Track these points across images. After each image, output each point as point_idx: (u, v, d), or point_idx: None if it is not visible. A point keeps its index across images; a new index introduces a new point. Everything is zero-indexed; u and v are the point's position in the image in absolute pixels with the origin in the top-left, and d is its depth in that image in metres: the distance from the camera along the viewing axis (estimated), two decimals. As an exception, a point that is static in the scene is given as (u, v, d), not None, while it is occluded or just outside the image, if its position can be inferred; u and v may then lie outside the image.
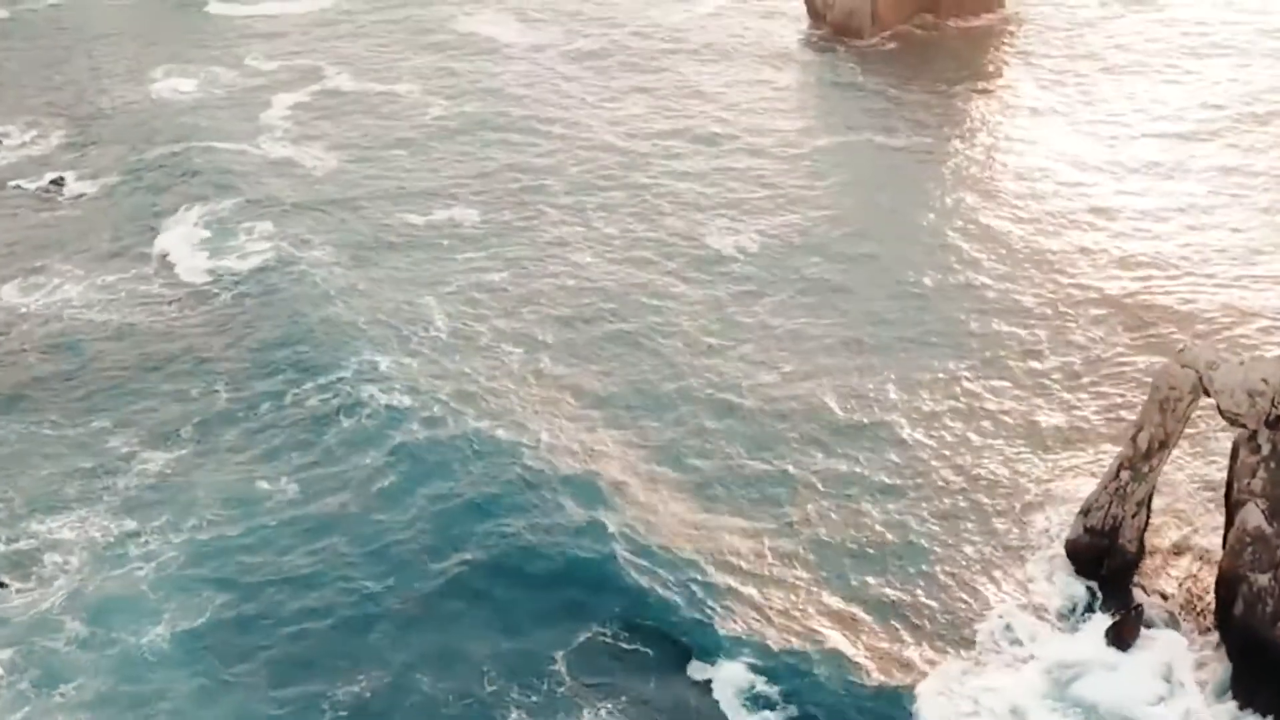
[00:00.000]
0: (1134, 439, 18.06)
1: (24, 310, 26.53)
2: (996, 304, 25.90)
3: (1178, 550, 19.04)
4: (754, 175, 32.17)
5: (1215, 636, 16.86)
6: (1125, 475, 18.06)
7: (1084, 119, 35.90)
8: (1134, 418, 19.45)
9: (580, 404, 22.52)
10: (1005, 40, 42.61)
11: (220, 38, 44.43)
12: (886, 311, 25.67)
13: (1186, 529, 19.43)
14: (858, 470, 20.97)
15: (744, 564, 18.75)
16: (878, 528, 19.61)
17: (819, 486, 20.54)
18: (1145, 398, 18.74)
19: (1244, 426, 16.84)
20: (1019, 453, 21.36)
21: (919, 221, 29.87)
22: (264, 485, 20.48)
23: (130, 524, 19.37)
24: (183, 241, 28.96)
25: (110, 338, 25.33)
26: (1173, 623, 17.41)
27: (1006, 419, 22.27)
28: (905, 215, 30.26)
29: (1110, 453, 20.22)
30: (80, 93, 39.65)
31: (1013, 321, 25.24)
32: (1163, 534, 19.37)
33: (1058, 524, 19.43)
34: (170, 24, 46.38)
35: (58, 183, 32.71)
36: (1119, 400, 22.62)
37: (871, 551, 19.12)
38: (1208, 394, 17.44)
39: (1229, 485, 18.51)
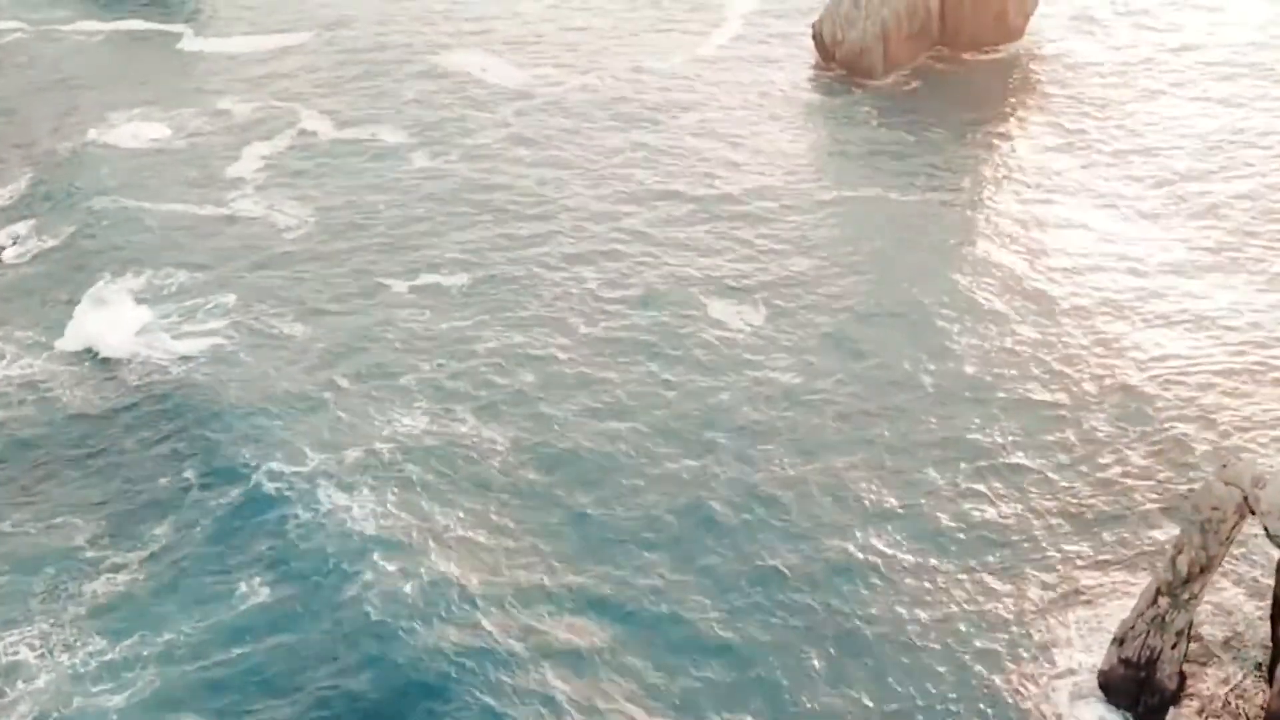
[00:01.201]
0: (1173, 561, 17.25)
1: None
2: (1011, 395, 25.13)
3: (1223, 680, 18.24)
4: (762, 239, 31.36)
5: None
6: (1163, 602, 17.24)
7: (1109, 161, 35.57)
8: (1171, 534, 18.80)
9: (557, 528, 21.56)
10: (1023, 74, 42.17)
11: (191, 76, 43.84)
12: (907, 404, 24.87)
13: (1230, 655, 18.64)
14: (870, 578, 20.31)
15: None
16: (890, 644, 18.90)
17: (835, 590, 19.95)
18: (1183, 514, 18.08)
19: (1295, 550, 16.13)
20: (1046, 565, 20.62)
21: (942, 282, 29.25)
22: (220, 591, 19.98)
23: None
24: (120, 315, 27.83)
25: (37, 425, 24.83)
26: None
27: (1031, 525, 21.55)
28: (928, 276, 29.59)
29: (1147, 571, 19.54)
30: (32, 137, 38.76)
31: (1041, 415, 24.50)
32: (1203, 656, 18.59)
33: (1088, 650, 18.68)
34: (140, 61, 45.76)
35: (-2, 246, 31.86)
36: (1154, 508, 21.92)
37: (886, 668, 18.46)
38: (1253, 513, 16.73)
39: (1275, 606, 17.78)
